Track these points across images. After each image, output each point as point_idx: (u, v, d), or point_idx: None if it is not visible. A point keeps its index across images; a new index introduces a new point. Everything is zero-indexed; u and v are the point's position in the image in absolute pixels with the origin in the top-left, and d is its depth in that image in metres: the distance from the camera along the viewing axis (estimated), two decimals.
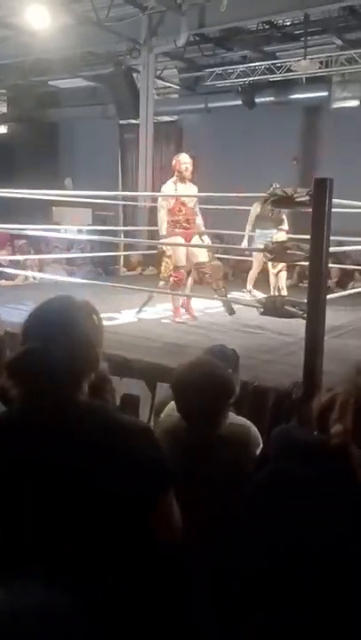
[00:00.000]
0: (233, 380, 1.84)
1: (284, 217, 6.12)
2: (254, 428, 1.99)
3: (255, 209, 6.05)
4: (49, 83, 11.56)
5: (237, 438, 1.79)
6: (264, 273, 6.33)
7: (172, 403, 1.97)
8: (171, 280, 5.06)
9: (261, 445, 2.05)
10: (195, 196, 5.23)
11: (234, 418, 1.93)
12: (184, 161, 5.16)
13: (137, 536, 1.10)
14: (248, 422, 1.99)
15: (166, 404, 2.25)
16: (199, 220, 5.35)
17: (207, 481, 1.63)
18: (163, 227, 5.14)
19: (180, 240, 5.07)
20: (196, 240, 5.20)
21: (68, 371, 1.17)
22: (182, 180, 5.14)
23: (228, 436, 1.75)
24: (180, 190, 5.09)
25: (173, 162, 5.22)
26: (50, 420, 1.14)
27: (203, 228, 5.42)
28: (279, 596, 0.84)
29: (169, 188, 5.18)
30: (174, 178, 5.17)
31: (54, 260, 8.46)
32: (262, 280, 6.43)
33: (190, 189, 5.16)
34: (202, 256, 5.09)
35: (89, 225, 10.58)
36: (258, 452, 1.96)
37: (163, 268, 5.03)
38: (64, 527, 1.08)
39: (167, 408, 2.03)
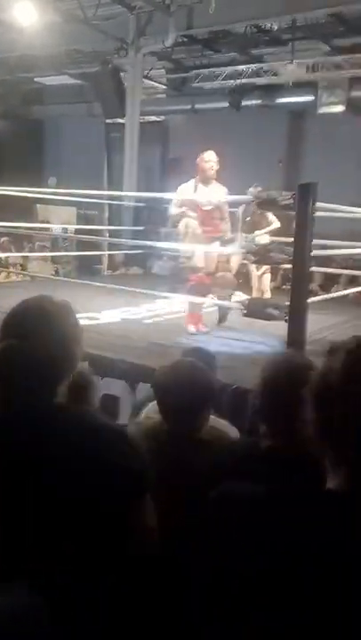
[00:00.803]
0: (213, 382, 1.84)
1: (269, 218, 5.93)
2: (235, 431, 1.99)
3: (242, 211, 5.97)
4: (35, 79, 11.48)
5: (217, 442, 1.78)
6: (248, 275, 6.33)
7: (153, 404, 1.96)
8: (189, 284, 4.65)
9: None
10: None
11: (215, 421, 1.93)
12: (208, 159, 4.61)
13: (114, 539, 1.09)
14: (228, 425, 1.99)
15: (146, 405, 2.25)
16: (225, 226, 4.78)
17: (188, 483, 1.63)
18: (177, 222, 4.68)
19: (200, 243, 4.56)
20: (216, 246, 4.67)
21: (45, 370, 1.15)
22: (205, 180, 4.62)
23: (208, 440, 1.74)
24: (202, 192, 4.59)
25: (197, 160, 4.69)
26: (24, 420, 1.12)
27: (230, 235, 4.85)
28: (279, 595, 0.84)
29: (187, 189, 4.67)
30: (197, 178, 4.67)
31: (38, 258, 8.39)
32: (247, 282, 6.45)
33: (216, 191, 4.64)
34: (211, 264, 4.64)
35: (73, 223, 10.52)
36: None
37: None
38: (38, 532, 1.07)
39: (148, 409, 2.02)
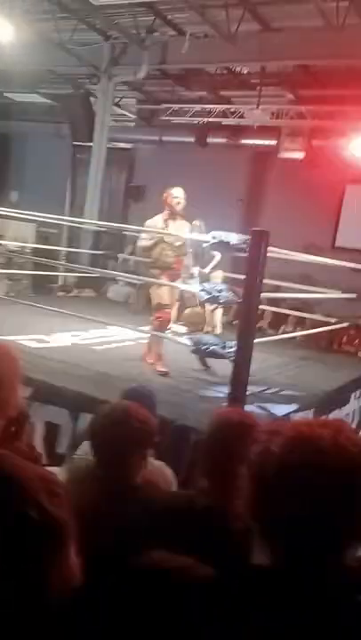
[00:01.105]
0: (151, 426, 1.86)
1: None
2: (169, 473, 2.00)
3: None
4: (4, 94, 11.46)
5: (149, 488, 1.79)
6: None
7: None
8: (154, 322, 4.62)
9: (176, 488, 2.08)
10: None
11: (150, 463, 1.93)
12: (176, 195, 4.66)
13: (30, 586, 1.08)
14: (162, 465, 2.00)
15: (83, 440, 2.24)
16: (187, 262, 4.85)
17: (114, 533, 1.63)
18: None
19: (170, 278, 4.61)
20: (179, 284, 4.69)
21: None
22: (173, 216, 4.67)
23: (139, 486, 1.75)
24: (171, 229, 4.63)
25: (164, 195, 4.72)
26: None
27: (191, 271, 4.87)
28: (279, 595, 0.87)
29: (157, 224, 4.69)
30: (165, 213, 4.68)
31: None
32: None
33: (183, 227, 4.70)
34: (174, 300, 4.70)
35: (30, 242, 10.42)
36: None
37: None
38: None
39: (83, 447, 2.02)
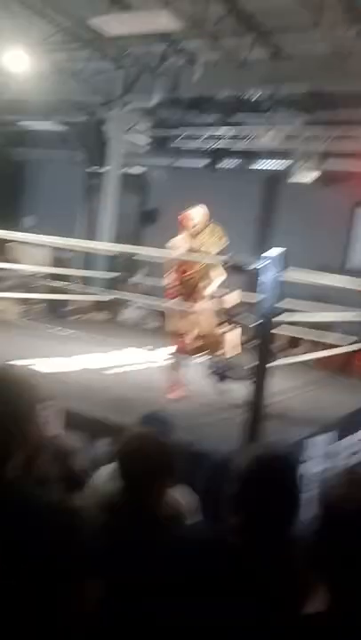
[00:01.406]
0: (171, 455, 1.84)
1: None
2: (187, 501, 1.98)
3: None
4: (19, 123, 11.72)
5: (172, 513, 1.78)
6: None
7: (109, 467, 1.95)
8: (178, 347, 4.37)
9: (195, 516, 2.05)
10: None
11: (171, 491, 1.91)
12: (191, 217, 4.50)
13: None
14: (181, 493, 1.98)
15: (102, 464, 2.22)
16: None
17: (141, 563, 1.61)
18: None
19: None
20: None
21: None
22: (192, 235, 4.51)
23: (160, 514, 1.74)
24: (194, 245, 4.48)
25: (180, 217, 4.56)
26: None
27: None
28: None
29: (179, 243, 4.50)
30: (185, 233, 4.53)
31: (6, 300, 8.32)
32: None
33: (209, 241, 4.55)
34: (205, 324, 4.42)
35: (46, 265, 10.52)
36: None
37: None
38: None
39: (104, 473, 2.00)
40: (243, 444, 2.99)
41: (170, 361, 4.46)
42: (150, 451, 1.74)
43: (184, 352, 4.40)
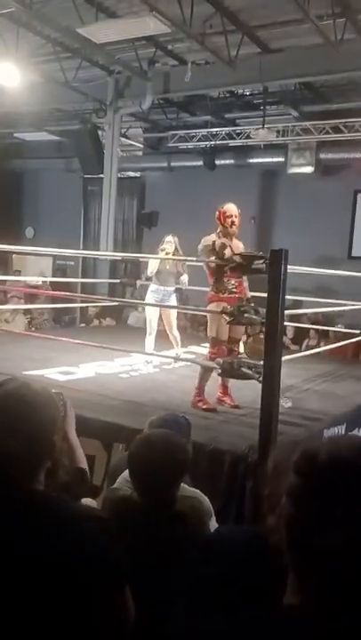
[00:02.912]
0: (189, 454, 1.86)
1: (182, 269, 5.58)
2: (206, 501, 1.99)
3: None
4: (14, 135, 11.78)
5: (190, 513, 1.79)
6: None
7: (126, 472, 1.97)
8: (209, 356, 4.10)
9: (213, 516, 2.06)
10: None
11: (184, 489, 1.93)
12: (230, 213, 4.18)
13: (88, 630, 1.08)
14: (199, 493, 2.00)
15: (121, 471, 2.25)
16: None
17: (159, 558, 1.63)
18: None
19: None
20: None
21: (24, 461, 1.17)
22: (228, 236, 4.16)
23: (181, 513, 1.76)
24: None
25: (217, 213, 4.24)
26: (3, 511, 1.13)
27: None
28: None
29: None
30: (218, 233, 4.20)
31: (12, 311, 8.37)
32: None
33: (239, 249, 4.10)
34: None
35: (48, 275, 10.58)
36: (211, 522, 1.96)
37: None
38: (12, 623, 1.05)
39: (121, 477, 2.02)
40: (260, 440, 3.00)
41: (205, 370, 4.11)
42: (163, 452, 1.76)
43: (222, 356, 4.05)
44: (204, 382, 4.02)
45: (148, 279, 5.80)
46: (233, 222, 4.18)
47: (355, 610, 0.73)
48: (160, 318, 5.67)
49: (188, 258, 5.06)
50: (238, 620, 0.80)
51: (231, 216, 4.20)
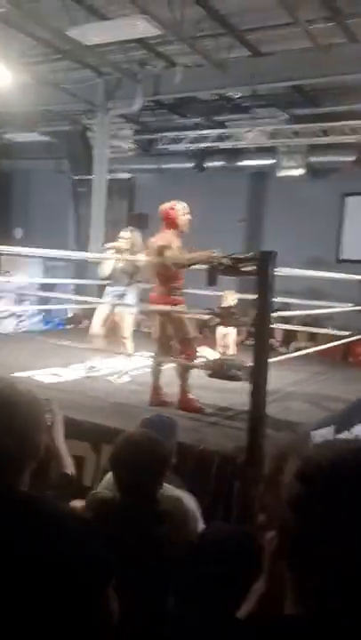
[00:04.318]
0: (169, 454, 1.88)
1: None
2: (191, 503, 2.01)
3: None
4: (3, 135, 11.73)
5: (173, 516, 1.81)
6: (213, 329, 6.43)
7: (110, 473, 1.99)
8: (182, 356, 4.06)
9: (201, 519, 2.07)
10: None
11: (169, 490, 1.95)
12: (186, 211, 4.18)
13: (74, 627, 1.09)
14: (183, 495, 2.01)
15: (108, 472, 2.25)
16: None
17: (142, 559, 1.64)
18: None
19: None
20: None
21: (7, 463, 1.17)
22: (180, 235, 4.16)
23: (163, 513, 1.77)
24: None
25: (170, 212, 4.19)
26: None
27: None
28: None
29: (175, 241, 4.06)
30: (174, 232, 4.15)
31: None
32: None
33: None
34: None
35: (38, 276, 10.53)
36: (199, 526, 1.97)
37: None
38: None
39: (105, 481, 2.04)
40: (248, 442, 3.02)
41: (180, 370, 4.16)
42: (144, 453, 1.78)
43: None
44: (186, 383, 4.04)
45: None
46: (189, 221, 4.16)
47: (355, 613, 0.74)
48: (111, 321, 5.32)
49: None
50: (238, 624, 0.81)
51: (188, 214, 4.18)
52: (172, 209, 4.24)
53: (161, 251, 4.08)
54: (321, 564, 0.75)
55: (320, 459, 0.79)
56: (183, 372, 4.04)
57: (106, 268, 5.35)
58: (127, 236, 5.33)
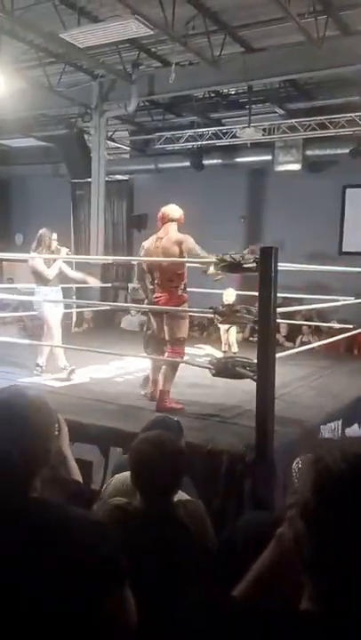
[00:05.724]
0: (185, 457, 1.87)
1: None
2: (201, 505, 1.99)
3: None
4: (0, 142, 11.74)
5: (193, 517, 1.79)
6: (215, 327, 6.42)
7: (123, 474, 1.97)
8: (169, 356, 4.11)
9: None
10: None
11: (181, 494, 1.93)
12: (181, 213, 4.36)
13: (89, 633, 1.08)
14: (196, 500, 1.99)
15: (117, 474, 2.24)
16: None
17: (163, 558, 1.63)
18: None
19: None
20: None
21: (19, 469, 1.17)
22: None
23: (184, 515, 1.76)
24: None
25: (178, 214, 4.39)
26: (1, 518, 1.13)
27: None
28: None
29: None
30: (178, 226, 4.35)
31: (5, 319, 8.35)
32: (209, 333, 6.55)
33: None
34: None
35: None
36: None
37: None
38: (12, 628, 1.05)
39: (116, 480, 2.02)
40: (257, 440, 3.01)
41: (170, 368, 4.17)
42: (167, 454, 1.76)
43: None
44: (169, 383, 4.04)
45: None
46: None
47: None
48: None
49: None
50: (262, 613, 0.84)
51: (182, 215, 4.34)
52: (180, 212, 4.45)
53: (181, 243, 4.09)
54: (329, 565, 0.78)
55: (330, 463, 0.80)
56: (170, 371, 4.04)
57: (51, 271, 5.52)
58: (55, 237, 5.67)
